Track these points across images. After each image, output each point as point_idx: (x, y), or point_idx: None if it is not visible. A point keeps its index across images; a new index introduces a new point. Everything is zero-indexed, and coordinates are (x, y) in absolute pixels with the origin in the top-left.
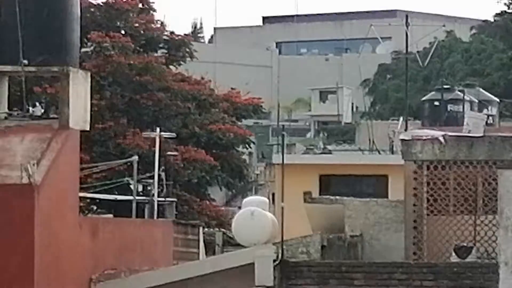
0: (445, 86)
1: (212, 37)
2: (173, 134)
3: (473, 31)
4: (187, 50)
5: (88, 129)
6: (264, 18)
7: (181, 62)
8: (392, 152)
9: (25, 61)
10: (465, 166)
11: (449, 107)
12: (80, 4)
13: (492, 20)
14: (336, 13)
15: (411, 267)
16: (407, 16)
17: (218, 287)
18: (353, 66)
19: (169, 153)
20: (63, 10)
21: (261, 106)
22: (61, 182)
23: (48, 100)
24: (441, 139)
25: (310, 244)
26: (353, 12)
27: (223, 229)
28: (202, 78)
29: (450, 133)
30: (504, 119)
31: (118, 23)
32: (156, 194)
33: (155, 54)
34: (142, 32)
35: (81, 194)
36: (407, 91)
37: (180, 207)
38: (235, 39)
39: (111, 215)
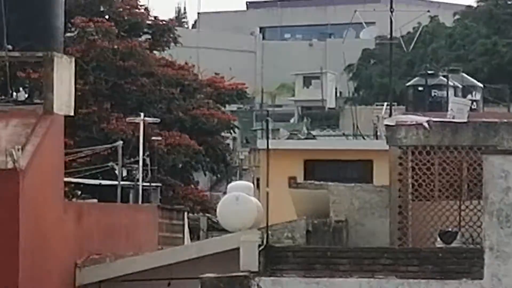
0: (429, 72)
1: (195, 22)
2: (157, 119)
3: (457, 16)
4: (171, 35)
5: (72, 114)
6: (248, 3)
7: (165, 47)
8: (377, 138)
9: (9, 46)
10: (449, 152)
11: (433, 92)
12: None
13: (475, 5)
14: None
15: (396, 252)
16: (391, 1)
17: (203, 272)
18: (337, 51)
19: (153, 138)
20: None
21: (245, 91)
22: (45, 167)
23: (32, 85)
24: (426, 124)
25: (295, 229)
26: None
27: (207, 214)
28: (186, 63)
29: (434, 119)
30: (488, 105)
31: (102, 8)
32: (140, 179)
33: (139, 39)
34: (126, 17)
35: (66, 179)
36: (391, 77)
37: (165, 192)
38: (218, 24)
39: (95, 200)
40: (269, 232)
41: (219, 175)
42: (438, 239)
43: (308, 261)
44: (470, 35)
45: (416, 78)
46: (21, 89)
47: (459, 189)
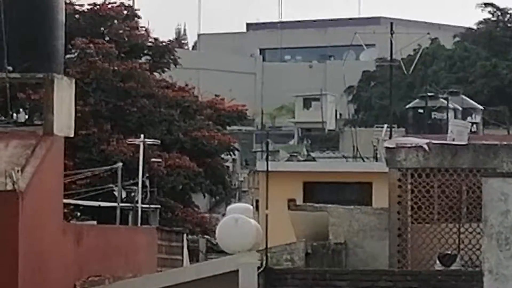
0: (429, 94)
1: (196, 43)
2: (157, 141)
3: (457, 38)
4: (171, 56)
5: (72, 135)
6: (248, 25)
7: (165, 69)
8: (376, 160)
9: (10, 68)
10: (449, 174)
11: (433, 114)
12: (65, 10)
13: (475, 27)
14: (320, 20)
15: (395, 275)
16: (391, 24)
17: None
18: (337, 73)
19: (153, 159)
20: (48, 16)
21: (245, 113)
22: (45, 189)
23: (32, 106)
24: (425, 146)
25: (294, 252)
26: (337, 19)
27: (207, 236)
28: (186, 85)
29: (434, 141)
30: (488, 127)
31: (103, 30)
32: (140, 201)
33: (139, 61)
34: (126, 38)
35: (65, 201)
36: (391, 99)
37: (164, 213)
38: (219, 45)
39: (95, 222)
40: (268, 254)
41: (218, 197)
42: (438, 261)
43: (307, 283)
44: (470, 57)
45: (416, 100)
46: (21, 110)
47: (458, 211)
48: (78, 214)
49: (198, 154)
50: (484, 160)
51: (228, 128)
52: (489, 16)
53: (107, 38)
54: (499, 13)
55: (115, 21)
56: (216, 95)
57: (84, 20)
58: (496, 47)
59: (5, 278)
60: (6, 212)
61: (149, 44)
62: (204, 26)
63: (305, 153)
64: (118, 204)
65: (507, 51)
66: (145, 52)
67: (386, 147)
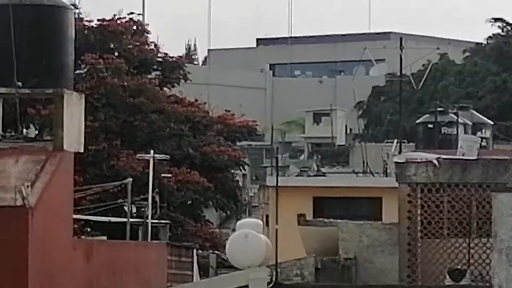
0: (439, 109)
1: (205, 58)
2: (167, 156)
3: (466, 54)
4: (181, 72)
5: (82, 151)
6: (258, 40)
7: (175, 84)
8: (386, 175)
9: (19, 83)
10: (459, 189)
11: (443, 129)
12: (75, 26)
13: (485, 42)
14: (330, 35)
15: None
16: (401, 39)
17: None
18: (347, 88)
19: (163, 175)
20: (58, 32)
21: (255, 128)
22: (55, 204)
23: (41, 122)
24: (435, 162)
25: (304, 267)
26: (347, 34)
27: (217, 251)
28: (196, 100)
29: (444, 156)
30: (498, 142)
31: (112, 45)
32: (150, 216)
33: (149, 76)
34: (136, 54)
35: (75, 216)
36: (401, 114)
37: (174, 229)
38: (229, 60)
39: (105, 237)
40: (278, 270)
41: (228, 212)
42: (447, 277)
43: None
44: (480, 72)
45: (426, 115)
46: (31, 125)
47: (468, 226)
48: (88, 229)
49: (208, 169)
50: (494, 175)
51: (238, 143)
52: (499, 31)
53: (116, 54)
54: (509, 28)
55: (125, 36)
56: (226, 110)
57: (93, 35)
58: (506, 62)
59: None
60: (16, 228)
61: (159, 59)
62: (214, 41)
63: (315, 168)
64: (128, 219)
65: None
66: (155, 67)
67: (396, 162)
